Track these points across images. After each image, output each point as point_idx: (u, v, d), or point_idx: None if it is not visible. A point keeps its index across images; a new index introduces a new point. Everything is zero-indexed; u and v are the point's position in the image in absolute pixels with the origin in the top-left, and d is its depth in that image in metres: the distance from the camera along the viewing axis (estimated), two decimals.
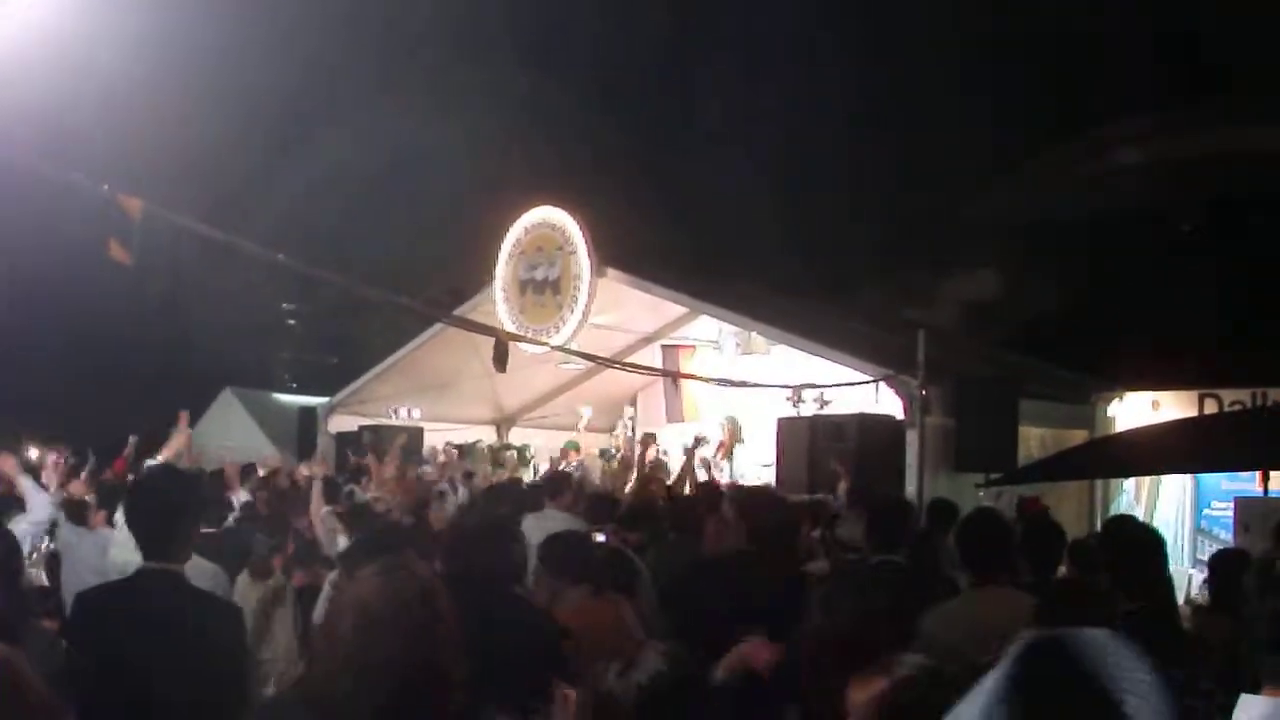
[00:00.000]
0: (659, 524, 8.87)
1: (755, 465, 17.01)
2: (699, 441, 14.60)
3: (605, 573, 6.03)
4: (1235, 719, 2.74)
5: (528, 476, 16.48)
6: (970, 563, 5.90)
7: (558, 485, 10.34)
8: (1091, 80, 27.68)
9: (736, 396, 17.96)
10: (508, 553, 5.12)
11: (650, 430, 18.63)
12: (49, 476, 9.24)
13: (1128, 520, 8.04)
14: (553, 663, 3.62)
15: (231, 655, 4.60)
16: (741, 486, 12.99)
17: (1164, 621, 5.23)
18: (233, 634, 4.67)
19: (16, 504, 8.78)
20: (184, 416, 10.63)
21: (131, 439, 13.67)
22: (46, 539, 9.27)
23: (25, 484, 8.80)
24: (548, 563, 5.93)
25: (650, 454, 17.19)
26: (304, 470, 13.92)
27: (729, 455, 17.70)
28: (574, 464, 18.04)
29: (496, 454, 19.76)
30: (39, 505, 8.64)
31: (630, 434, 18.32)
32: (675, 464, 14.82)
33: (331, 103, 32.77)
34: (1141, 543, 5.63)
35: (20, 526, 7.91)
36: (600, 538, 7.66)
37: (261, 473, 13.80)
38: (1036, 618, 4.60)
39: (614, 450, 18.93)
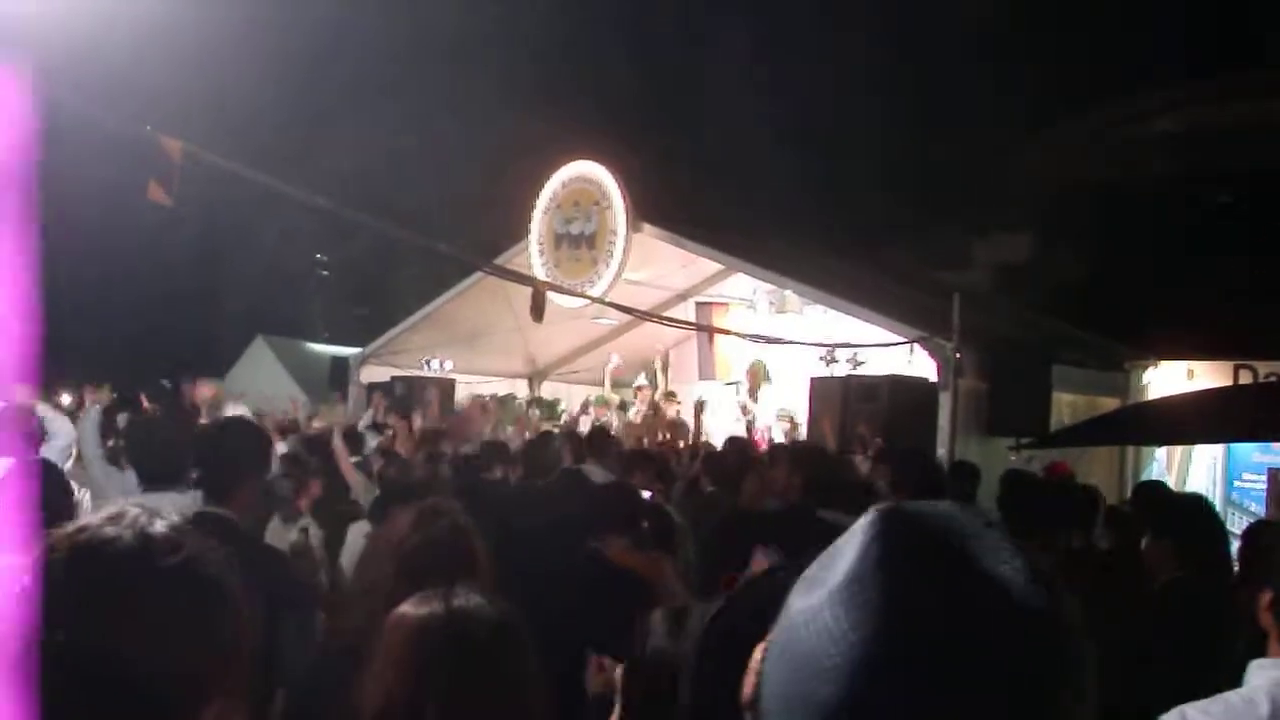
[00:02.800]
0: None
1: (781, 410, 17.05)
2: (701, 405, 14.75)
3: (647, 526, 6.00)
4: (1246, 681, 2.74)
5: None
6: (1007, 522, 5.90)
7: (602, 443, 10.46)
8: (1132, 45, 27.45)
9: (768, 355, 17.95)
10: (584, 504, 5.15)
11: (677, 388, 18.69)
12: (94, 411, 9.25)
13: (1163, 485, 8.01)
14: (640, 603, 3.61)
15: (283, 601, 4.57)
16: (795, 442, 13.06)
17: (1209, 590, 5.21)
18: (281, 578, 4.69)
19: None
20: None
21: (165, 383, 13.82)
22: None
23: (45, 410, 8.82)
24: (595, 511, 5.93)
25: (671, 412, 17.26)
26: (318, 423, 13.97)
27: (754, 395, 17.80)
28: (603, 417, 18.08)
29: (530, 407, 19.77)
30: (62, 431, 8.68)
31: (653, 388, 18.25)
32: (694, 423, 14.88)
33: (368, 55, 32.74)
34: (1192, 510, 5.62)
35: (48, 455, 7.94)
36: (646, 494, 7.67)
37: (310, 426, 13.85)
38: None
39: (634, 404, 18.91)
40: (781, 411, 16.88)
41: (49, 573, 1.53)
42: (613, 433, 13.86)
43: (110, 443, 9.48)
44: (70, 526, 1.63)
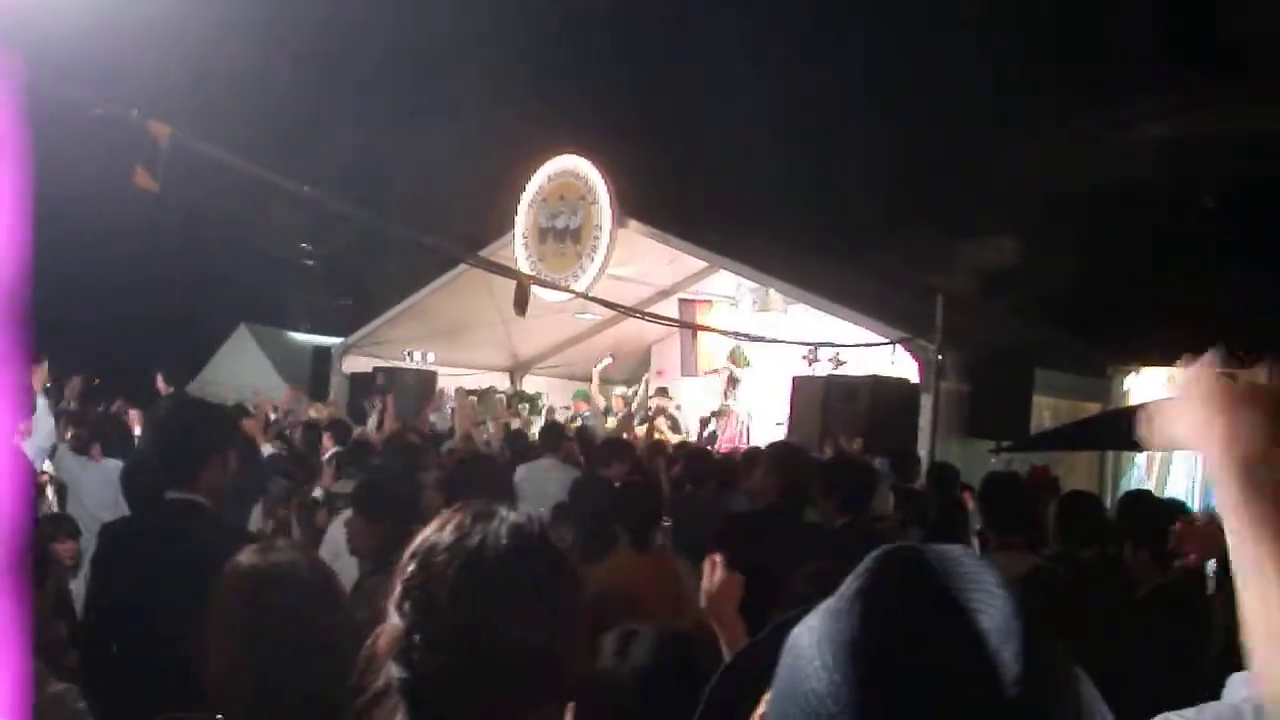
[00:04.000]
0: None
1: (762, 405, 17.14)
2: (660, 409, 14.80)
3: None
4: (1228, 693, 2.74)
5: (538, 425, 16.45)
6: (991, 524, 5.92)
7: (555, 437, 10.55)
8: (1117, 51, 27.51)
9: (751, 353, 17.99)
10: None
11: (659, 384, 18.74)
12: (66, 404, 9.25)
13: (1146, 493, 8.03)
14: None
15: None
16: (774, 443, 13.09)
17: (1192, 596, 5.23)
18: None
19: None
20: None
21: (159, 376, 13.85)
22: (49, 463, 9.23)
23: (40, 404, 8.76)
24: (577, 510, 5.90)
25: (670, 408, 17.33)
26: (313, 413, 13.96)
27: (731, 390, 17.91)
28: (583, 413, 18.10)
29: (510, 401, 19.77)
30: (44, 431, 8.63)
31: (645, 393, 18.28)
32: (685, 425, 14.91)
33: (354, 48, 32.68)
34: (1172, 517, 5.63)
35: (28, 451, 7.91)
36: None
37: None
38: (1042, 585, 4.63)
39: (617, 410, 18.95)
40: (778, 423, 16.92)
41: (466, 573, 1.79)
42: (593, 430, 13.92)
43: (72, 433, 9.43)
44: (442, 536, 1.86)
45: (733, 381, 18.32)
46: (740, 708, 1.37)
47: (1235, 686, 2.75)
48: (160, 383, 13.80)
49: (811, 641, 1.14)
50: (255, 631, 2.63)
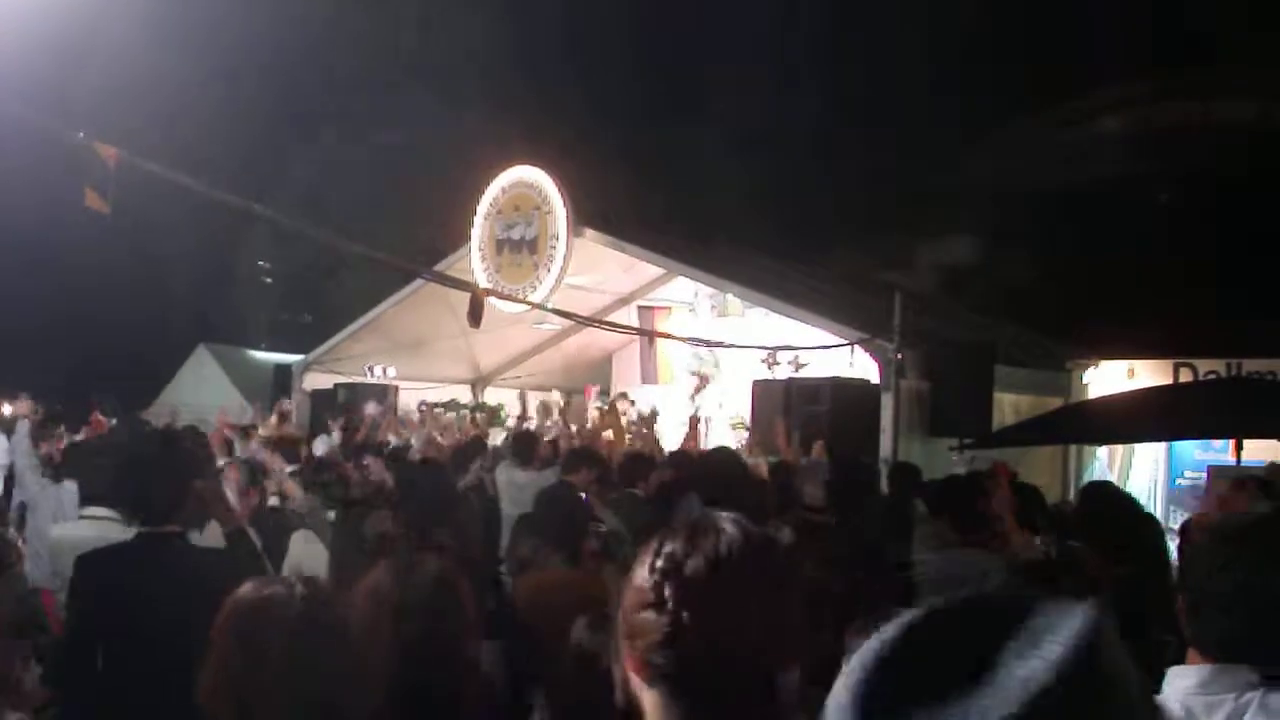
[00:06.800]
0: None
1: (734, 418, 17.11)
2: (654, 415, 14.80)
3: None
4: (1164, 691, 2.73)
5: (498, 436, 16.39)
6: (955, 525, 5.93)
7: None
8: (1074, 46, 27.68)
9: (711, 358, 18.01)
10: None
11: (624, 391, 18.73)
12: (23, 425, 9.22)
13: (1108, 486, 8.03)
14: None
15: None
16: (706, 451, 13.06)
17: (1156, 586, 5.23)
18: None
19: None
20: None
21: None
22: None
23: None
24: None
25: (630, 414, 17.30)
26: (262, 431, 13.84)
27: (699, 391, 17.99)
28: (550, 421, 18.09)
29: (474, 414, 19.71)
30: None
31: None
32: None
33: (307, 63, 32.56)
34: (1127, 510, 5.65)
35: None
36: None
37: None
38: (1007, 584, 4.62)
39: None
40: (734, 419, 16.91)
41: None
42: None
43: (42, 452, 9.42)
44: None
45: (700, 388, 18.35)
46: None
47: (1171, 679, 2.75)
48: (98, 415, 13.57)
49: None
50: (239, 658, 2.81)
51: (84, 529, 5.91)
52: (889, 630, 1.07)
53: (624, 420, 15.51)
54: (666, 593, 1.96)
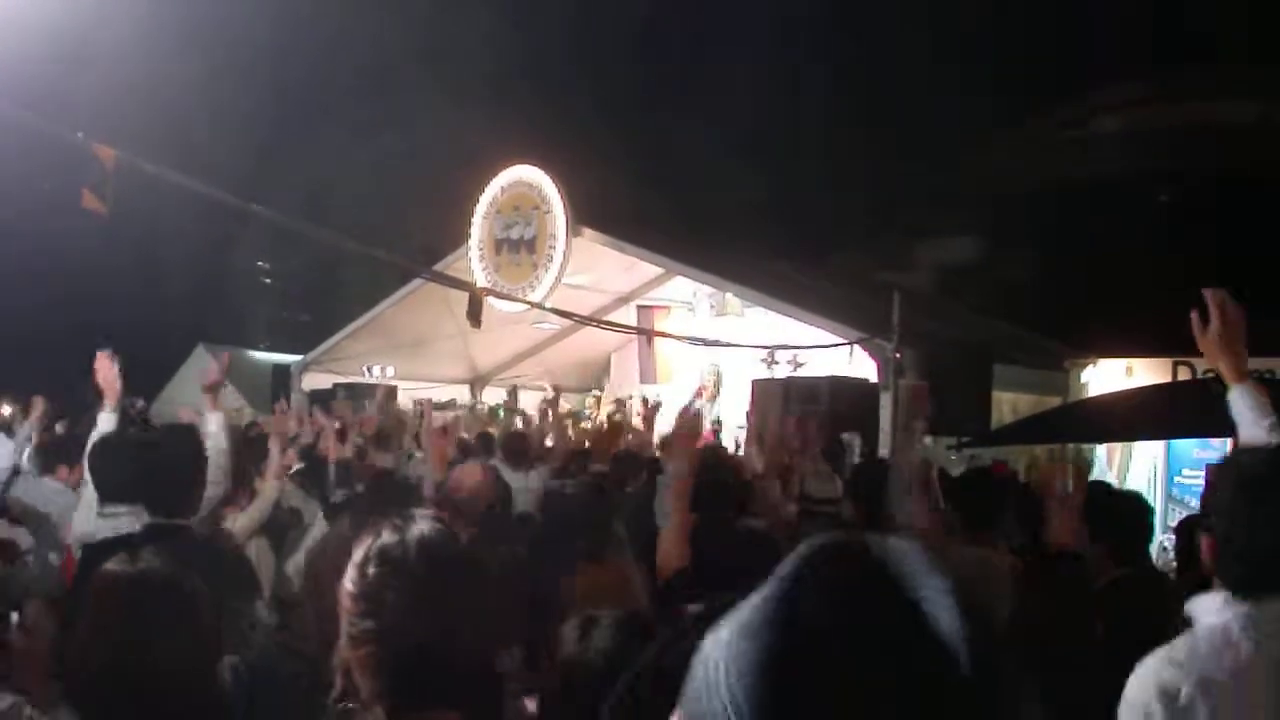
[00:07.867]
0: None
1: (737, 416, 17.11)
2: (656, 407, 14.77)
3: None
4: (1199, 618, 2.74)
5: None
6: (962, 521, 5.93)
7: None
8: (1074, 46, 27.68)
9: (710, 358, 17.97)
10: None
11: (619, 391, 18.70)
12: (28, 425, 9.18)
13: (1106, 486, 8.03)
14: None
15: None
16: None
17: (1153, 587, 5.23)
18: (243, 583, 4.77)
19: None
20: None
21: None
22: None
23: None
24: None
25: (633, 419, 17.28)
26: (263, 426, 13.79)
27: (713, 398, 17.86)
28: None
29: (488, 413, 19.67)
30: (2, 454, 8.56)
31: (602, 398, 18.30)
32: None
33: (308, 62, 32.54)
34: (1129, 510, 5.63)
35: None
36: None
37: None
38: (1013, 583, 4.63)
39: (586, 412, 18.89)
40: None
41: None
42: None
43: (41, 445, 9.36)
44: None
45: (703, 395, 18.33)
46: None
47: (1210, 609, 2.74)
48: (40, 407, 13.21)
49: (721, 658, 1.01)
50: (104, 627, 3.04)
51: (103, 527, 5.89)
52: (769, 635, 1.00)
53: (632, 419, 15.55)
54: (368, 590, 2.23)
